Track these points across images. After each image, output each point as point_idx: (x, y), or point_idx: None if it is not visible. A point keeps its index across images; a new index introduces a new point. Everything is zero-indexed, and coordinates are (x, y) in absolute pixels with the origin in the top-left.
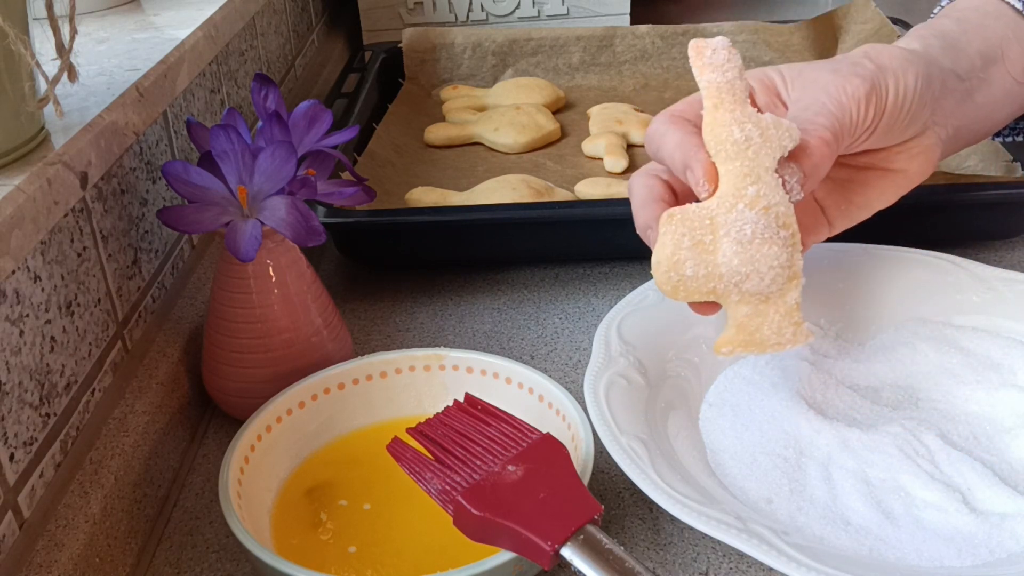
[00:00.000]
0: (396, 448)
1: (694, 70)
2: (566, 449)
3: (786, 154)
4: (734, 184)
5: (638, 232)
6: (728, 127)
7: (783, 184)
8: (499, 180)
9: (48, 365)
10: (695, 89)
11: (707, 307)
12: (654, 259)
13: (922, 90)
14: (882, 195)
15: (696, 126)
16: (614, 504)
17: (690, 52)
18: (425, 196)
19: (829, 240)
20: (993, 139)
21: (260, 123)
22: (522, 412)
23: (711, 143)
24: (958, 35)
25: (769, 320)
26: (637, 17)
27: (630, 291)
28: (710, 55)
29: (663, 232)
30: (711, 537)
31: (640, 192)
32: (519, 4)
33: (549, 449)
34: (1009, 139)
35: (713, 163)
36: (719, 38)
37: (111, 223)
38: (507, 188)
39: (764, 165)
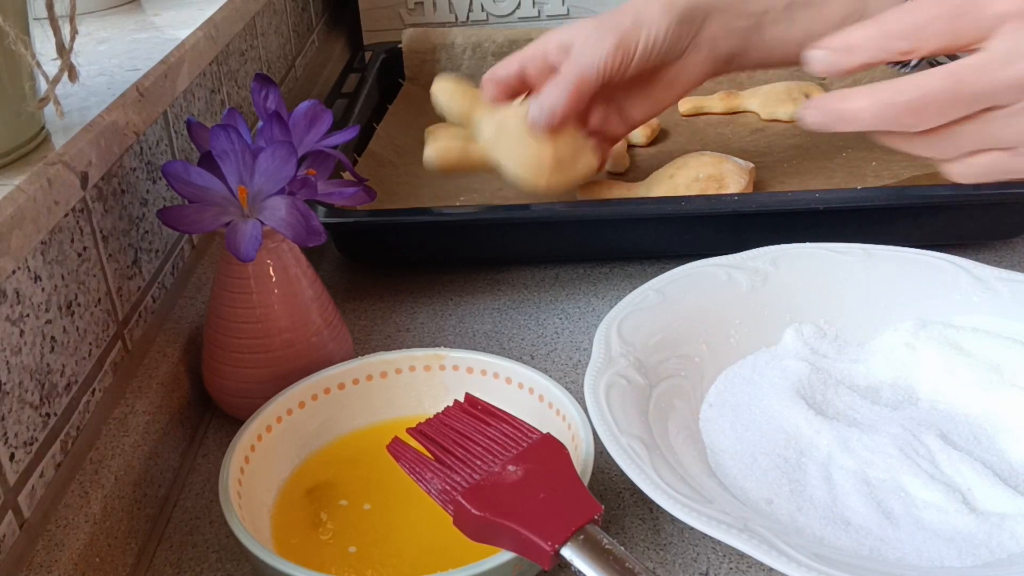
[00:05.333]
0: (396, 448)
1: None
2: (566, 449)
3: None
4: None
5: None
6: None
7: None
8: None
9: (48, 365)
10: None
11: None
12: None
13: (672, 37)
14: (686, 78)
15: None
16: (614, 504)
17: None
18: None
19: (828, 240)
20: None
21: (260, 123)
22: (522, 412)
23: None
24: None
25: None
26: None
27: (630, 291)
28: None
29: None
30: (711, 537)
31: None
32: (519, 4)
33: (549, 449)
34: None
35: None
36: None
37: (111, 223)
38: None
39: None
